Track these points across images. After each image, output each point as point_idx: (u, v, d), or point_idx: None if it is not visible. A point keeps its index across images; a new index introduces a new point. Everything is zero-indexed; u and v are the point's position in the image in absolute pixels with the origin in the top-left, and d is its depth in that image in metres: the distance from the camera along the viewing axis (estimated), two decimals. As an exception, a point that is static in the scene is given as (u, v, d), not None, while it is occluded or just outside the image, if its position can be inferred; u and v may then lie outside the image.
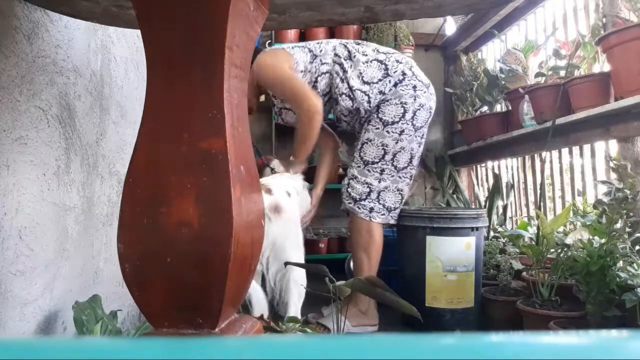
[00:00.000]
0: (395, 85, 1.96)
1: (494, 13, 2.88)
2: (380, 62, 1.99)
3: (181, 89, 0.70)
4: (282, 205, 1.69)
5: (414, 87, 1.96)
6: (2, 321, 0.94)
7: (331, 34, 3.35)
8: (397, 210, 2.04)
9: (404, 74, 1.97)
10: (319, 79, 2.01)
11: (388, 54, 2.03)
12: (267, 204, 1.64)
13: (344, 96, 1.99)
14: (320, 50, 2.03)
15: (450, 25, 3.50)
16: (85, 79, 1.28)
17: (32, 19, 1.03)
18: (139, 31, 0.73)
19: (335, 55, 2.02)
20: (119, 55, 1.51)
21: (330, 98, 2.07)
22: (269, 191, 1.70)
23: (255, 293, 1.54)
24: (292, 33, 3.22)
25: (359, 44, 2.09)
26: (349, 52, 2.02)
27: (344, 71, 1.99)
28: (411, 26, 3.44)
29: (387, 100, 1.96)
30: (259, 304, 1.53)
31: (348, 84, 1.97)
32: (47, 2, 1.02)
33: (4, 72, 0.94)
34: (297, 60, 1.99)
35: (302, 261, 1.72)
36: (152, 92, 0.71)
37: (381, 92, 1.96)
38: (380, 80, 1.97)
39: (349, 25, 3.24)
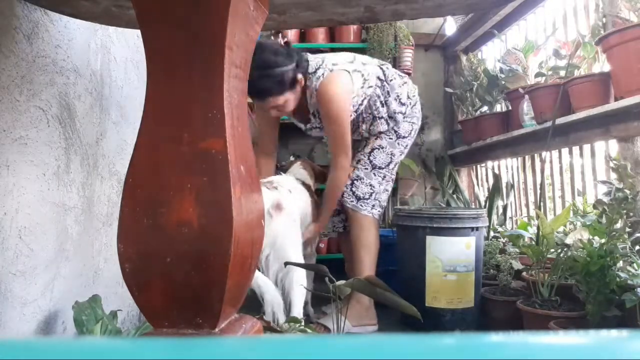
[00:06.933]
0: (413, 107, 2.17)
1: (494, 13, 2.88)
2: (406, 84, 2.17)
3: (181, 89, 0.70)
4: (284, 203, 1.70)
5: (420, 109, 2.22)
6: (2, 321, 0.94)
7: (331, 34, 3.35)
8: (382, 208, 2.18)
9: (416, 97, 2.20)
10: (364, 101, 2.06)
11: (405, 78, 2.21)
12: (270, 201, 1.65)
13: (382, 120, 2.10)
14: (368, 74, 2.05)
15: (450, 25, 3.50)
16: (85, 79, 1.28)
17: (32, 19, 1.03)
18: (139, 31, 0.73)
19: (378, 79, 2.08)
20: (119, 55, 1.51)
21: (359, 116, 2.10)
22: (274, 188, 1.74)
23: (268, 290, 1.51)
24: (292, 33, 3.22)
25: (384, 64, 2.17)
26: (384, 75, 2.10)
27: (386, 95, 2.08)
28: (411, 26, 3.43)
29: (405, 119, 2.16)
30: (273, 301, 1.49)
31: (388, 108, 2.09)
32: (47, 2, 1.02)
33: (4, 72, 0.94)
34: (354, 90, 2.00)
35: (301, 260, 1.72)
36: (152, 92, 0.71)
37: (403, 114, 2.14)
38: (406, 102, 2.14)
39: (349, 25, 3.24)
